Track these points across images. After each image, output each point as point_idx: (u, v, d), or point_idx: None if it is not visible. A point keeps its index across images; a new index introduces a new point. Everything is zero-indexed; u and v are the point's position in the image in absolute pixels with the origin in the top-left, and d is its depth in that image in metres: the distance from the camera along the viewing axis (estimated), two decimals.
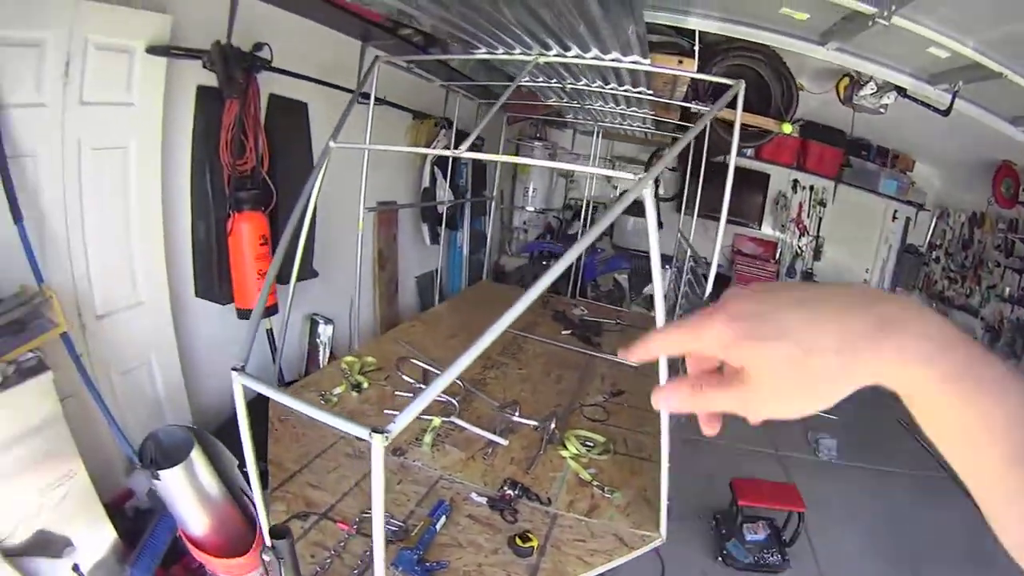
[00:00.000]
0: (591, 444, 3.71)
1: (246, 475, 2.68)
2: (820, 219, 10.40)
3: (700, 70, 4.71)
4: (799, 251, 10.61)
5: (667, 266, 8.66)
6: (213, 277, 4.02)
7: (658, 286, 2.49)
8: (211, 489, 2.81)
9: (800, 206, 10.47)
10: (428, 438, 3.45)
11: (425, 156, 7.07)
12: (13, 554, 2.44)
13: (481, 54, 4.19)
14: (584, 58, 3.88)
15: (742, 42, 5.66)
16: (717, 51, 5.92)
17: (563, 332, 5.89)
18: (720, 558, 4.77)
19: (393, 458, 3.29)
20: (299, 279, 4.55)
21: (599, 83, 4.99)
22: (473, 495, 3.07)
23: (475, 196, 8.24)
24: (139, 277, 3.64)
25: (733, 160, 3.79)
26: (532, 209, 10.81)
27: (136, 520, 3.24)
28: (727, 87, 3.52)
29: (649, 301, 8.86)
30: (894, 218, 10.24)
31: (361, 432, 1.68)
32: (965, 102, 4.91)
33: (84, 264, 3.28)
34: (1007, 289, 8.09)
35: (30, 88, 2.87)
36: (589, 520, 3.03)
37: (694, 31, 4.89)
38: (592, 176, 10.04)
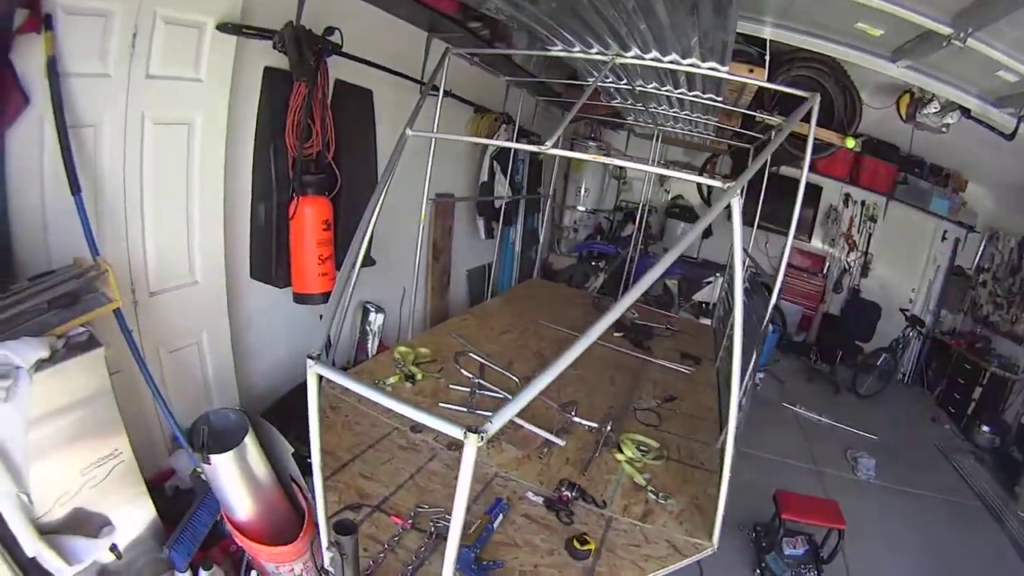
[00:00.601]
0: (645, 449, 3.60)
1: (301, 463, 2.72)
2: (870, 235, 10.05)
3: (767, 80, 4.61)
4: (847, 267, 10.25)
5: (718, 273, 8.51)
6: (271, 260, 3.86)
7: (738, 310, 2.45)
8: (261, 476, 2.62)
9: (851, 221, 10.11)
10: None
11: (485, 150, 6.94)
12: (49, 531, 2.25)
13: (557, 51, 4.01)
14: (662, 62, 3.71)
15: (808, 53, 5.40)
16: (782, 61, 5.73)
17: (615, 335, 5.69)
18: (758, 570, 4.60)
19: (449, 452, 3.22)
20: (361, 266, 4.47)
21: (669, 87, 4.81)
22: (529, 494, 3.00)
23: (530, 193, 8.05)
24: (196, 256, 3.48)
25: (805, 175, 3.62)
26: (583, 209, 10.63)
27: (176, 499, 3.08)
28: (796, 98, 3.38)
29: (698, 308, 8.65)
30: (943, 238, 9.82)
31: (455, 431, 1.56)
32: None
33: (140, 239, 3.13)
34: None
35: (95, 59, 2.72)
36: (643, 525, 2.95)
37: (764, 40, 4.72)
38: (648, 179, 9.78)
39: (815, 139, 5.63)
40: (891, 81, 5.73)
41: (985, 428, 7.92)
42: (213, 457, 2.44)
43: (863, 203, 9.97)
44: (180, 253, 3.39)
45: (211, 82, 3.22)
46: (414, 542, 2.52)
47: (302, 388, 2.94)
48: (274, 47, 3.43)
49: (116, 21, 2.73)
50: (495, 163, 6.96)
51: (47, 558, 2.19)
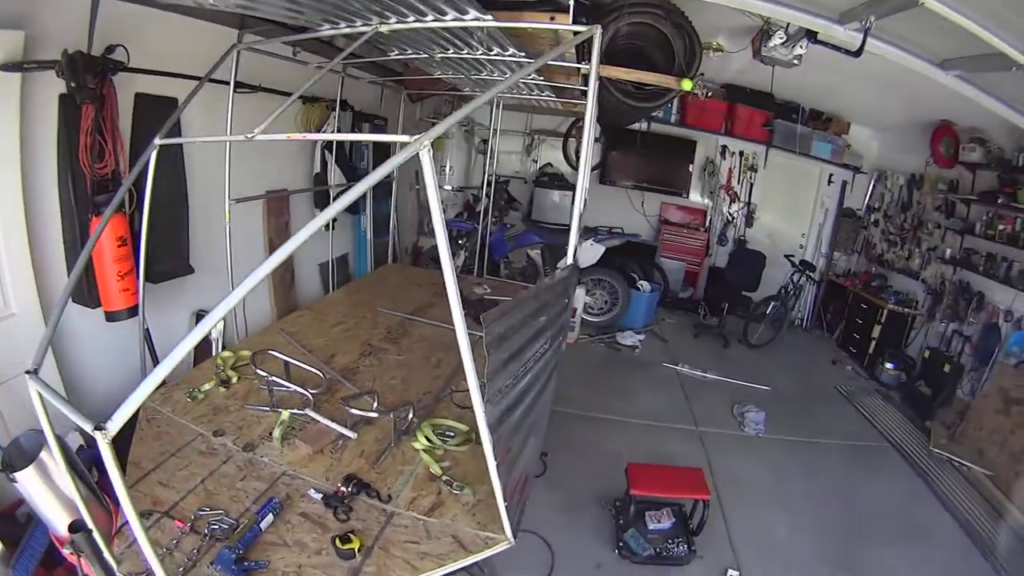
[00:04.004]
0: (452, 434, 3.97)
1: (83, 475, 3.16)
2: (751, 185, 11.11)
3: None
4: (730, 218, 11.31)
5: (591, 237, 9.59)
6: (83, 281, 4.51)
7: None
8: (68, 490, 3.10)
9: (730, 172, 11.16)
10: (278, 432, 3.80)
11: (316, 143, 7.69)
12: None
13: (326, 31, 4.55)
14: (425, 22, 4.00)
15: None
16: (610, 10, 5.74)
17: (526, 291, 6.10)
18: (616, 550, 4.84)
19: (243, 454, 3.68)
20: (168, 277, 5.25)
21: (467, 50, 5.13)
22: (311, 491, 3.37)
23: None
24: (8, 289, 4.16)
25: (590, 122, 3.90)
26: (450, 188, 11.47)
27: (26, 525, 3.68)
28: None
29: None
30: (830, 182, 10.98)
31: (86, 426, 1.90)
32: (881, 43, 4.96)
33: None
34: (948, 251, 8.71)
35: None
36: (428, 520, 3.25)
37: None
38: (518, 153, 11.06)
39: (651, 85, 5.95)
40: (744, 22, 6.24)
41: (889, 365, 9.00)
42: (16, 475, 3.05)
43: (741, 154, 11.01)
44: None
45: (0, 120, 3.95)
46: (191, 544, 2.90)
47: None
48: (58, 75, 4.15)
49: None
50: (326, 153, 7.71)
51: None
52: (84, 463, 3.64)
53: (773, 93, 9.95)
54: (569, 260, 3.75)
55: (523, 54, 4.98)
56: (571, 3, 4.11)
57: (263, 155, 6.59)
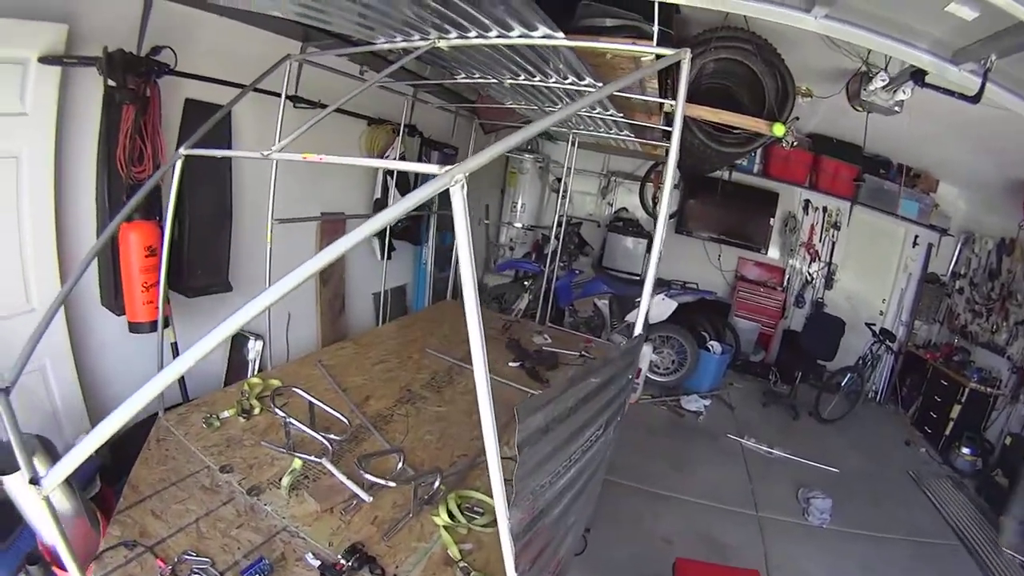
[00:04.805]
0: (481, 511, 3.49)
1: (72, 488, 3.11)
2: (833, 244, 10.61)
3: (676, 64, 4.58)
4: (809, 278, 10.83)
5: (664, 291, 9.05)
6: (112, 287, 4.45)
7: None
8: (57, 501, 3.03)
9: (812, 229, 10.69)
10: (287, 480, 3.46)
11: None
12: None
13: (382, 44, 4.40)
14: (488, 38, 3.85)
15: (727, 31, 5.39)
16: (697, 42, 5.44)
17: (510, 364, 5.95)
18: None
19: (247, 498, 3.38)
20: (203, 292, 5.07)
21: (539, 77, 4.97)
22: (309, 556, 3.02)
23: (444, 209, 8.44)
24: (32, 285, 4.12)
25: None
26: (520, 226, 11.22)
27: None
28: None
29: (631, 330, 9.01)
30: (915, 243, 10.39)
31: (25, 474, 1.88)
32: (997, 87, 4.30)
33: None
34: None
35: None
36: None
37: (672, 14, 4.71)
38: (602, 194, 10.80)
39: (739, 128, 5.64)
40: (838, 65, 5.77)
41: (965, 450, 8.26)
42: (3, 478, 2.92)
43: (824, 209, 10.53)
44: (14, 282, 4.03)
45: (36, 114, 3.90)
46: None
47: (142, 425, 3.77)
48: (99, 73, 4.07)
49: None
50: (388, 178, 7.52)
51: None
52: (88, 474, 3.70)
53: (863, 145, 9.07)
54: (639, 328, 3.36)
55: (600, 84, 4.65)
56: (655, 30, 3.87)
57: (320, 176, 6.50)
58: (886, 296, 10.80)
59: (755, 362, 11.05)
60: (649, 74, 4.45)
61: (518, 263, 10.44)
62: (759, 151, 10.37)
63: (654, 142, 7.97)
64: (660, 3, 3.88)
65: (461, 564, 3.06)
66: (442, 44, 3.97)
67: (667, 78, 5.30)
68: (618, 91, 4.99)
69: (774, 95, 5.43)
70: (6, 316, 3.99)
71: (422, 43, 4.05)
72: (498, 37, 3.79)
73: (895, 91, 5.44)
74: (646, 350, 8.08)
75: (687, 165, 8.56)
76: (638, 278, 10.23)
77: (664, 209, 3.61)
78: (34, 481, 1.81)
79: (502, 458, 3.08)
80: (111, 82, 4.10)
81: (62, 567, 2.39)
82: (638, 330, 3.35)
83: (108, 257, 4.42)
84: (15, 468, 2.76)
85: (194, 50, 4.61)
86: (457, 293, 9.08)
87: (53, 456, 3.14)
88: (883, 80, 5.41)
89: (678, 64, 3.32)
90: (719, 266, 11.26)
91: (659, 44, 3.86)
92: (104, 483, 3.93)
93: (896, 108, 5.65)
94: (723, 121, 5.34)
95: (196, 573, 2.78)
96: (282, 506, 3.34)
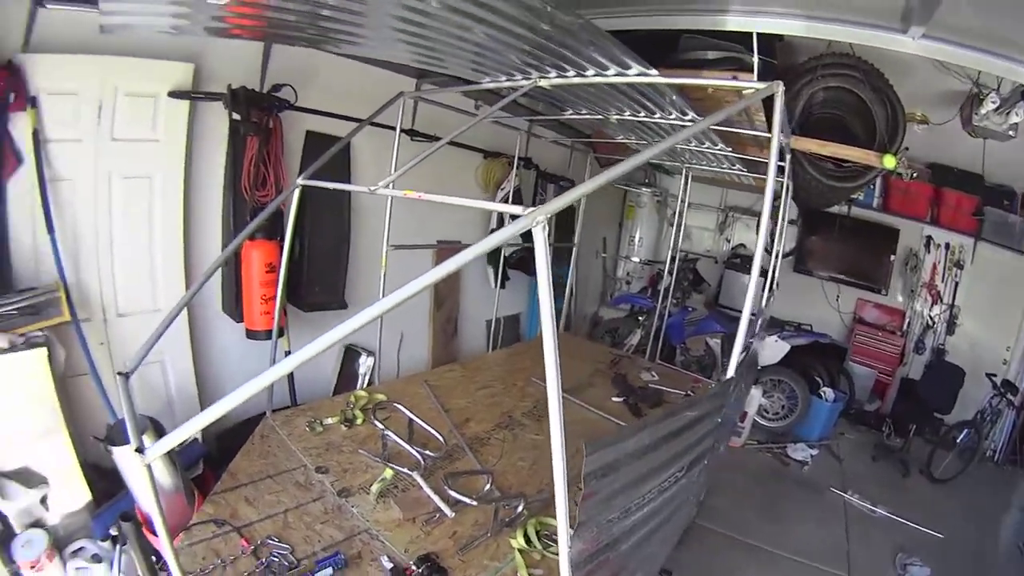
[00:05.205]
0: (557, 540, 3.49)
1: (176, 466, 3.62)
2: (956, 284, 9.67)
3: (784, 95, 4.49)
4: (930, 322, 9.89)
5: (777, 332, 8.66)
6: (233, 297, 5.02)
7: None
8: (160, 474, 3.48)
9: (934, 267, 9.74)
10: (376, 487, 3.71)
11: (495, 195, 7.66)
12: None
13: (487, 83, 4.56)
14: (586, 77, 3.93)
15: (833, 58, 5.28)
16: (802, 71, 5.35)
17: (614, 399, 5.95)
18: None
19: (336, 498, 3.65)
20: (320, 308, 5.50)
21: (644, 113, 4.97)
22: (384, 558, 3.18)
23: (560, 242, 8.69)
24: (159, 288, 4.74)
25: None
26: (637, 260, 11.16)
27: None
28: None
29: (742, 370, 8.59)
30: None
31: (132, 443, 2.21)
32: None
33: (110, 271, 4.46)
34: None
35: (70, 127, 4.10)
36: None
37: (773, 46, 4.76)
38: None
39: (847, 161, 5.43)
40: (951, 87, 5.51)
41: None
42: (113, 448, 3.44)
43: (947, 246, 9.60)
44: (144, 284, 4.69)
45: (167, 141, 4.57)
46: (245, 567, 2.96)
47: (249, 422, 4.25)
48: (225, 107, 4.61)
49: (84, 98, 4.11)
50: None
51: None
52: (193, 458, 4.28)
53: (983, 174, 8.78)
54: (731, 370, 3.21)
55: (700, 117, 4.71)
56: (755, 60, 3.96)
57: (436, 206, 6.74)
58: (1010, 343, 9.65)
59: (869, 411, 10.07)
60: (747, 107, 4.36)
61: (633, 298, 10.37)
62: (877, 184, 9.81)
63: (764, 176, 7.40)
64: (756, 34, 4.02)
65: None
66: (544, 83, 4.12)
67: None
68: (724, 126, 5.14)
69: (884, 124, 5.26)
70: (135, 313, 4.61)
71: (524, 82, 4.21)
72: (595, 76, 3.88)
73: (1008, 113, 5.25)
74: (755, 393, 7.78)
75: (802, 200, 8.26)
76: (754, 318, 9.85)
77: (760, 245, 3.57)
78: (139, 450, 2.09)
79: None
80: (236, 115, 4.62)
81: (154, 533, 2.70)
82: (730, 372, 3.22)
83: (231, 270, 4.94)
84: (126, 443, 3.33)
85: (313, 86, 5.09)
86: (569, 325, 9.36)
87: (161, 436, 3.66)
88: (994, 102, 5.24)
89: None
90: (837, 307, 10.62)
91: (761, 74, 3.91)
92: (207, 468, 4.45)
93: (1011, 132, 5.45)
94: (831, 154, 5.22)
95: (276, 556, 3.04)
96: (368, 510, 3.56)
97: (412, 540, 3.36)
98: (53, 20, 3.82)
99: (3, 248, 3.92)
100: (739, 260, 11.00)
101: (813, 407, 8.68)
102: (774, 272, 5.97)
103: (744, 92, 4.13)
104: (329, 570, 3.01)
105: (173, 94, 4.41)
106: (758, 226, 9.73)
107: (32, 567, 3.65)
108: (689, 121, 4.84)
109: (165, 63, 4.38)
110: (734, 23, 4.12)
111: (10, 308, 3.73)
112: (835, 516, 6.94)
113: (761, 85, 3.44)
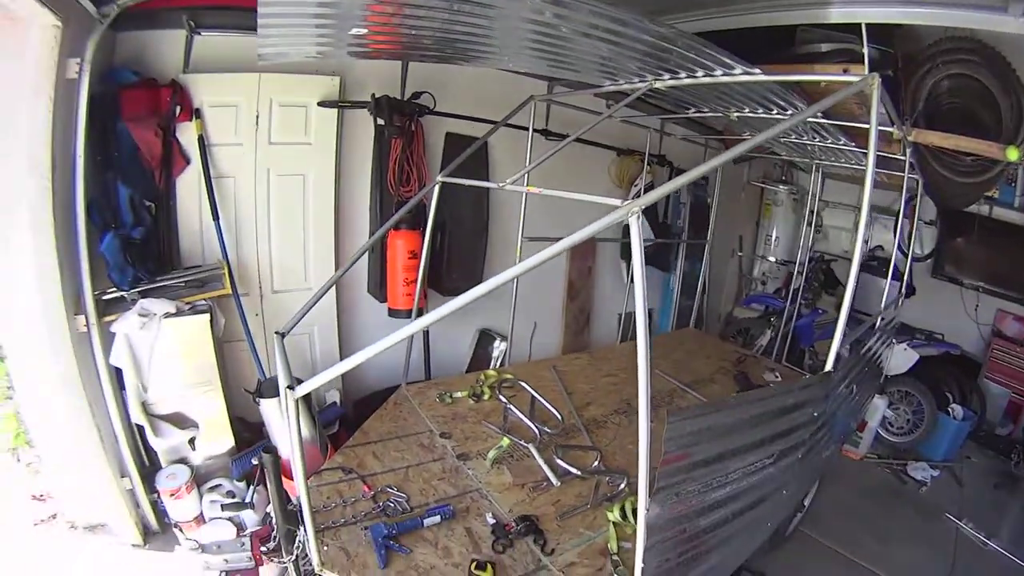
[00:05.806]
0: None
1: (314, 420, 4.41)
2: None
3: (904, 85, 4.43)
4: None
5: (907, 340, 8.10)
6: (377, 280, 5.62)
7: None
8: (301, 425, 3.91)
9: None
10: (492, 454, 3.98)
11: (629, 191, 7.79)
12: (152, 414, 4.34)
13: (608, 87, 4.78)
14: (697, 78, 4.05)
15: (951, 43, 4.88)
16: (919, 60, 5.06)
17: (732, 397, 5.81)
18: None
19: (455, 460, 3.97)
20: (458, 293, 5.74)
21: (762, 110, 5.02)
22: (488, 515, 3.45)
23: (694, 238, 8.85)
24: (311, 269, 5.42)
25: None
26: (773, 259, 10.80)
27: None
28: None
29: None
30: None
31: (283, 382, 2.70)
32: None
33: (268, 253, 5.19)
34: None
35: (231, 134, 4.83)
36: None
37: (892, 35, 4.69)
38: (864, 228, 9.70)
39: (967, 154, 5.09)
40: None
41: None
42: (260, 400, 4.16)
43: None
44: (297, 265, 5.38)
45: (318, 144, 5.22)
46: (364, 507, 3.30)
47: (385, 391, 4.86)
48: (369, 113, 5.17)
49: (243, 109, 4.84)
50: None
51: (145, 426, 4.27)
52: (331, 418, 5.10)
53: None
54: (830, 364, 3.19)
55: (820, 113, 4.80)
56: (865, 51, 3.87)
57: (569, 201, 6.99)
58: None
59: (1000, 435, 8.73)
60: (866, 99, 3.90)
61: (764, 298, 10.05)
62: (1019, 180, 8.39)
63: (898, 173, 6.46)
64: (856, 24, 3.96)
65: (614, 557, 3.21)
66: (659, 84, 4.29)
67: (903, 100, 5.03)
68: (846, 120, 5.04)
69: (1009, 114, 4.89)
70: (288, 291, 5.30)
71: (641, 84, 4.40)
72: (704, 76, 4.01)
73: None
74: (879, 403, 7.35)
75: (936, 198, 7.38)
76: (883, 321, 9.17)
77: (859, 240, 3.46)
78: (291, 387, 2.50)
79: None
80: (380, 120, 5.20)
81: (290, 477, 3.16)
82: (829, 365, 3.17)
83: (377, 256, 5.53)
84: (274, 395, 4.22)
85: (449, 92, 5.52)
86: (701, 322, 9.22)
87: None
88: None
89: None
90: (975, 317, 9.23)
91: (878, 64, 3.88)
92: (342, 428, 5.13)
93: None
94: (953, 146, 4.93)
95: (392, 503, 3.41)
96: (482, 473, 3.86)
97: (517, 503, 3.61)
98: (207, 44, 4.55)
99: (173, 233, 4.70)
100: (875, 263, 9.76)
101: (940, 424, 7.94)
102: (909, 274, 5.80)
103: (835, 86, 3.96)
104: (437, 517, 3.30)
105: (322, 104, 5.08)
106: (895, 226, 9.19)
107: (172, 495, 4.33)
108: (811, 117, 5.00)
109: (314, 77, 5.04)
110: (837, 16, 4.15)
111: (178, 280, 4.50)
112: (943, 544, 6.33)
113: (855, 78, 3.43)
